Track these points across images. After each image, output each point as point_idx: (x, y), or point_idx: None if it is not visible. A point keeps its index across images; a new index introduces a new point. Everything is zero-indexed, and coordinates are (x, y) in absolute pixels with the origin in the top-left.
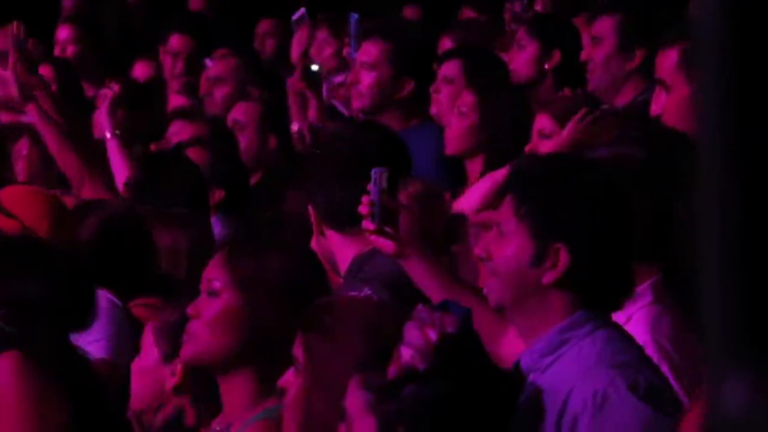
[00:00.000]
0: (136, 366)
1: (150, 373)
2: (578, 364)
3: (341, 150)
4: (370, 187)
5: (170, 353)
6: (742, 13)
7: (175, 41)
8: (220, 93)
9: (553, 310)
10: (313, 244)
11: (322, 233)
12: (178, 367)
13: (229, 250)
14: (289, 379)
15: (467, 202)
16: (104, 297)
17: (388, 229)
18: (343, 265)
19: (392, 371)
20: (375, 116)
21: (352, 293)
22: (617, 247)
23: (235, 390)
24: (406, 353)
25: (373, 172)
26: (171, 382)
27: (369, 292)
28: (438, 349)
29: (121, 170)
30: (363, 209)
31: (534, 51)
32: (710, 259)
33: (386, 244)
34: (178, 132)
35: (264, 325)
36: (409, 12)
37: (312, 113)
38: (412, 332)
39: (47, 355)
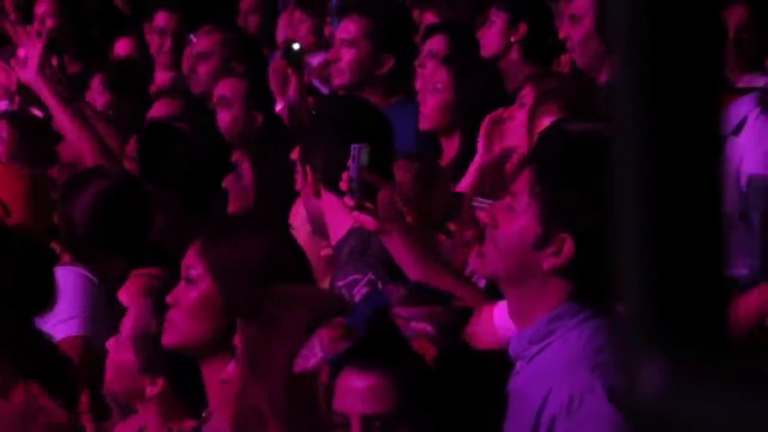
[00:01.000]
0: (113, 348)
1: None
2: (561, 359)
3: (343, 113)
4: (350, 163)
5: (149, 365)
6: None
7: (161, 18)
8: (204, 69)
9: (548, 297)
10: (301, 203)
11: (318, 194)
12: (161, 379)
13: (204, 237)
14: (230, 369)
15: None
16: (79, 274)
17: (368, 205)
18: (335, 231)
19: None
20: (356, 93)
21: (356, 275)
22: None
23: (216, 376)
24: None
25: (353, 148)
26: (151, 391)
27: (373, 276)
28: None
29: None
30: (343, 185)
31: (502, 24)
32: (626, 243)
33: (367, 220)
34: (158, 110)
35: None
36: None
37: (292, 91)
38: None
39: (6, 339)
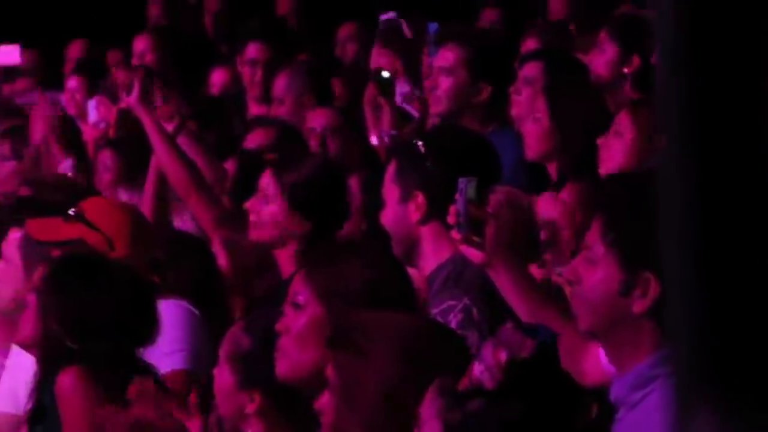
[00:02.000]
0: (216, 374)
1: (229, 394)
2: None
3: (453, 144)
4: (457, 196)
5: (245, 381)
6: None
7: (253, 49)
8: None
9: (642, 342)
10: (390, 219)
11: (424, 222)
12: (257, 394)
13: (310, 262)
14: (324, 400)
15: None
16: (183, 307)
17: (475, 239)
18: (431, 259)
19: (463, 383)
20: (453, 120)
21: (451, 302)
22: None
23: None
24: (477, 369)
25: (460, 182)
26: (251, 408)
27: (468, 302)
28: (506, 371)
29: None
30: (450, 219)
31: (613, 54)
32: (675, 293)
33: (474, 254)
34: (253, 140)
35: None
36: (489, 14)
37: (385, 120)
38: (486, 350)
39: (109, 370)
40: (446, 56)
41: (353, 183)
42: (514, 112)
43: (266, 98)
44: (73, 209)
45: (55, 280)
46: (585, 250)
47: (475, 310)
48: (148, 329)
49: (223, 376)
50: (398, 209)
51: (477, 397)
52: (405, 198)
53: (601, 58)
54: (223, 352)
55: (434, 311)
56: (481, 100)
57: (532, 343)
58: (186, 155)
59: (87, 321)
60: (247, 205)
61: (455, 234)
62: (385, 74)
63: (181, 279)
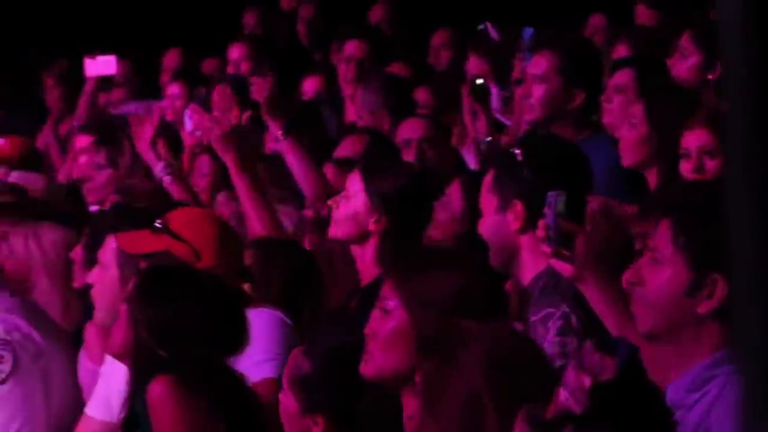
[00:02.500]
0: (281, 397)
1: (293, 418)
2: (725, 409)
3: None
4: (546, 210)
5: (307, 405)
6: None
7: (352, 46)
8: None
9: (704, 343)
10: (488, 228)
11: (522, 231)
12: (320, 418)
13: (400, 268)
14: (412, 406)
15: None
16: (274, 316)
17: (565, 252)
18: (530, 269)
19: (551, 411)
20: (546, 128)
21: (550, 309)
22: None
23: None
24: (562, 395)
25: (549, 195)
26: None
27: (567, 309)
28: (591, 396)
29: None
30: (539, 232)
31: (697, 60)
32: (747, 304)
33: (564, 267)
34: (345, 148)
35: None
36: (596, 20)
37: (481, 127)
38: (569, 374)
39: (199, 378)
40: (539, 63)
41: (454, 189)
42: (606, 120)
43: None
44: (159, 221)
45: (144, 290)
46: (649, 252)
47: (573, 317)
48: (238, 338)
49: (287, 401)
50: (496, 218)
51: (566, 424)
52: (503, 207)
53: (684, 64)
54: (285, 376)
55: (533, 318)
56: (574, 107)
57: (613, 362)
58: (263, 194)
59: (176, 330)
60: (329, 201)
61: (545, 248)
62: (479, 81)
63: (272, 287)
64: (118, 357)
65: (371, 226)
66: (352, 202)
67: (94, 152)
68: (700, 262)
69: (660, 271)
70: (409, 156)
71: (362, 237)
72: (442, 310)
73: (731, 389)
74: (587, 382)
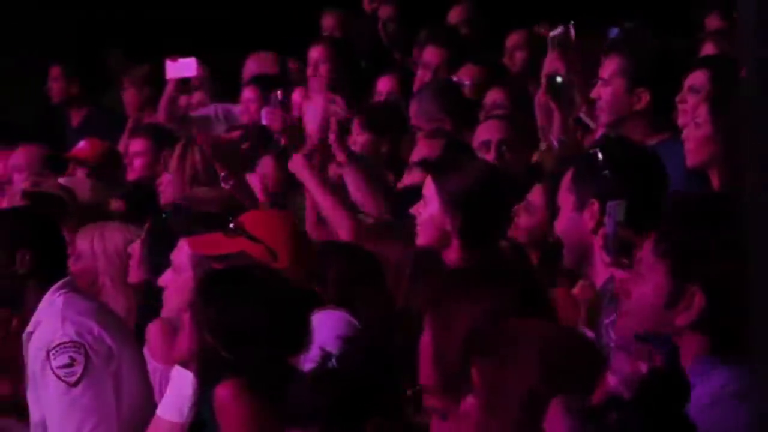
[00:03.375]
0: None
1: None
2: (703, 418)
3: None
4: (606, 219)
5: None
6: None
7: (429, 53)
8: None
9: (685, 353)
10: (564, 227)
11: (597, 230)
12: None
13: (448, 285)
14: (468, 403)
15: None
16: (342, 317)
17: (624, 261)
18: (602, 270)
19: (597, 397)
20: (618, 129)
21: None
22: None
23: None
24: (612, 380)
25: (609, 205)
26: None
27: None
28: (646, 382)
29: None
30: (597, 241)
31: None
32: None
33: (623, 276)
34: (420, 150)
35: None
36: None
37: (556, 125)
38: (620, 360)
39: (265, 380)
40: (606, 66)
41: (536, 193)
42: (681, 120)
43: None
44: (232, 223)
45: (205, 292)
46: (636, 264)
47: None
48: (301, 338)
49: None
50: (573, 217)
51: (614, 410)
52: (580, 206)
53: None
54: None
55: (605, 321)
56: (641, 107)
57: (660, 353)
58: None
59: (238, 331)
60: (412, 210)
61: (604, 256)
62: (558, 79)
63: (329, 288)
64: (184, 364)
65: (447, 226)
66: (429, 206)
67: (150, 155)
68: (679, 273)
69: (643, 283)
70: (488, 157)
71: (444, 240)
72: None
73: (709, 400)
74: (644, 368)
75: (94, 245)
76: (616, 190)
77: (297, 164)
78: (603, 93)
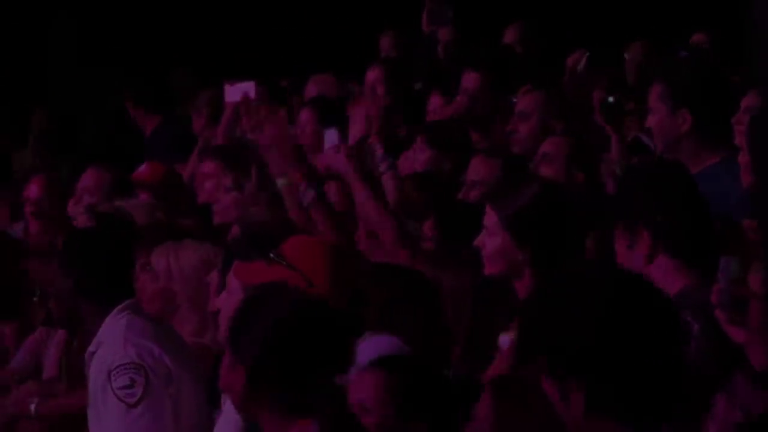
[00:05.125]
0: None
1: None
2: None
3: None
4: (720, 275)
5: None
6: None
7: (469, 79)
8: (524, 128)
9: None
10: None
11: (651, 260)
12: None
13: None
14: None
15: None
16: (391, 342)
17: (739, 318)
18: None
19: None
20: (674, 153)
21: None
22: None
23: None
24: (711, 428)
25: (722, 260)
26: None
27: (689, 318)
28: (740, 428)
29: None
30: (713, 297)
31: None
32: None
33: (737, 333)
34: (475, 170)
35: None
36: (698, 38)
37: (614, 148)
38: (720, 406)
39: (306, 402)
40: (650, 95)
41: None
42: (738, 141)
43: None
44: (273, 252)
45: (235, 321)
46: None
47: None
48: (339, 363)
49: None
50: (625, 255)
51: None
52: (631, 243)
53: None
54: None
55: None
56: (687, 129)
57: (765, 396)
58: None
59: (270, 358)
60: (476, 242)
61: (718, 313)
62: (611, 99)
63: (392, 313)
64: (225, 392)
65: (518, 257)
66: (493, 238)
67: (220, 177)
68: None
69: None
70: (545, 172)
71: (515, 271)
72: None
73: None
74: (737, 417)
75: (170, 265)
76: (665, 216)
77: (340, 160)
78: (651, 121)
